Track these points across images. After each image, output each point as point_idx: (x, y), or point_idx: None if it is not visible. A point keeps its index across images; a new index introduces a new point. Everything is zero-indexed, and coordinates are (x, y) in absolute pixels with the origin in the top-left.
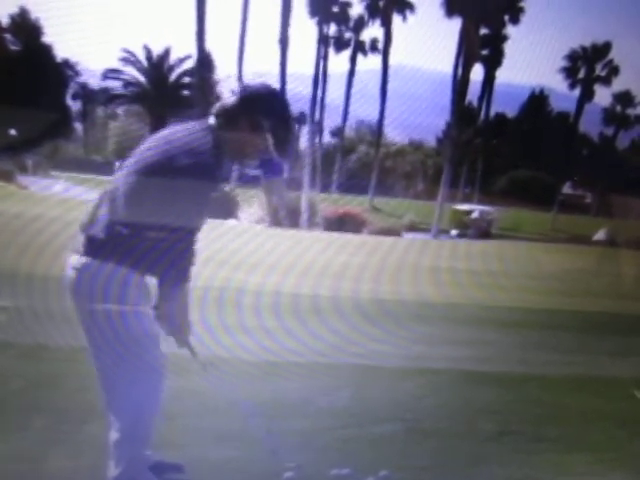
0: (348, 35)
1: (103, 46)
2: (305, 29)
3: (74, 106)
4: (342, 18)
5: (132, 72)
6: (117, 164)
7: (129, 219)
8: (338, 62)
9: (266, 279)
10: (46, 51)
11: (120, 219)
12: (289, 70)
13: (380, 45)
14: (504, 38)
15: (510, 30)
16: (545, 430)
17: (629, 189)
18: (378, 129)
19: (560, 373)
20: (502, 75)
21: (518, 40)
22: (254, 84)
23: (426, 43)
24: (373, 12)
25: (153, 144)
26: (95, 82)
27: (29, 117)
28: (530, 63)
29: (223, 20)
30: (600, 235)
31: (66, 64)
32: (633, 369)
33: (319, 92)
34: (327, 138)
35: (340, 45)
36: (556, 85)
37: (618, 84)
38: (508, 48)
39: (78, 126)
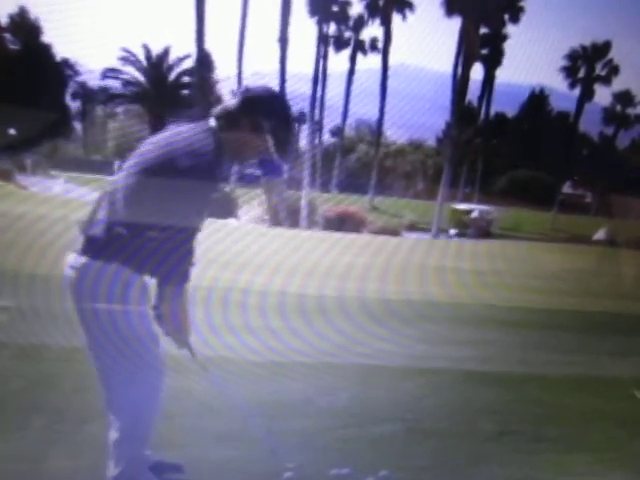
0: (348, 34)
1: (102, 45)
2: (305, 28)
3: (73, 105)
4: (342, 17)
5: (131, 71)
6: (116, 164)
7: (129, 219)
8: (338, 61)
9: (265, 279)
10: (45, 50)
11: (120, 219)
12: (289, 69)
13: (380, 44)
14: (504, 37)
15: (510, 29)
16: (545, 430)
17: (629, 189)
18: (378, 128)
19: (560, 373)
20: (502, 75)
21: (518, 39)
22: (255, 86)
23: (426, 42)
24: (373, 11)
25: (154, 145)
26: (94, 81)
27: (28, 116)
28: (530, 62)
29: (223, 19)
30: (600, 235)
31: (65, 63)
32: (633, 369)
33: (319, 91)
34: (327, 137)
35: (340, 44)
36: (556, 85)
37: (618, 84)
38: (508, 47)
39: (77, 125)
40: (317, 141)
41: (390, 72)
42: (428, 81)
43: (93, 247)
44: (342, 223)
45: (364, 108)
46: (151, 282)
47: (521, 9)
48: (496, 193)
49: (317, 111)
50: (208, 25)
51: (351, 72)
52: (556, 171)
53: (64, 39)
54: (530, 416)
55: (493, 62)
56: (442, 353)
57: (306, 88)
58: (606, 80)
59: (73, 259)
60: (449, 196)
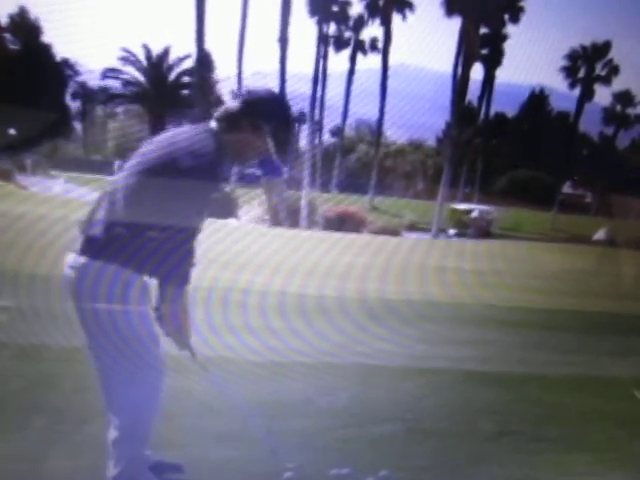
0: (348, 34)
1: (102, 45)
2: (305, 28)
3: (73, 105)
4: (342, 17)
5: (131, 71)
6: (116, 163)
7: (129, 219)
8: (338, 61)
9: (265, 279)
10: (45, 50)
11: (120, 219)
12: (289, 69)
13: (380, 44)
14: (504, 37)
15: (510, 29)
16: (545, 430)
17: (629, 189)
18: (378, 128)
19: (560, 373)
20: (502, 74)
21: (518, 39)
22: (257, 89)
23: (426, 42)
24: (373, 11)
25: (155, 146)
26: (94, 81)
27: (28, 116)
28: (530, 62)
29: (223, 19)
30: (600, 235)
31: (65, 63)
32: (633, 369)
33: (319, 91)
34: (327, 137)
35: (340, 44)
36: (556, 85)
37: (618, 84)
38: (508, 47)
39: (77, 125)
40: (317, 141)
41: (390, 72)
42: (428, 81)
43: (92, 247)
44: (342, 223)
45: (364, 108)
46: (151, 282)
47: (521, 9)
48: (496, 193)
49: (317, 111)
50: (208, 25)
51: (351, 72)
52: (556, 171)
53: (64, 39)
54: (530, 416)
55: (493, 62)
56: (442, 353)
57: (306, 88)
58: (606, 80)
59: (72, 259)
60: (449, 196)
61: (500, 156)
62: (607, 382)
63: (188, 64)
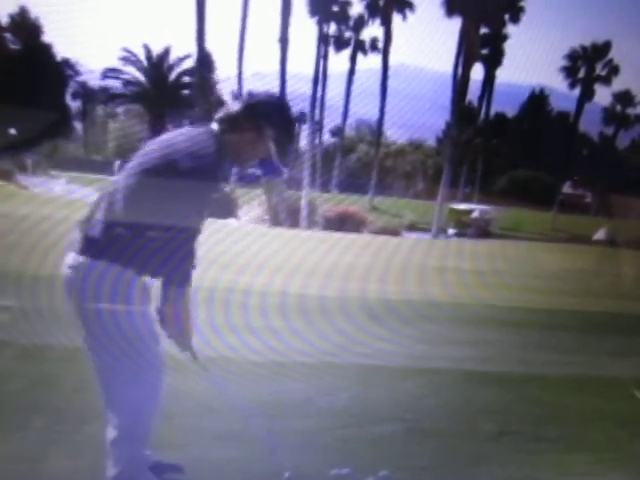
0: (348, 34)
1: (103, 45)
2: (305, 28)
3: (74, 105)
4: (342, 17)
5: (132, 71)
6: (117, 163)
7: (128, 219)
8: (338, 61)
9: (265, 279)
10: (46, 50)
11: (119, 219)
12: (289, 69)
13: (380, 44)
14: (504, 37)
15: (510, 29)
16: (545, 430)
17: (629, 189)
18: (378, 128)
19: (560, 373)
20: (502, 75)
21: (518, 39)
22: (258, 92)
23: (426, 42)
24: (373, 11)
25: (156, 147)
26: (95, 81)
27: (29, 116)
28: (530, 63)
29: (223, 19)
30: (600, 235)
31: (66, 63)
32: (633, 369)
33: (319, 91)
34: (327, 137)
35: (340, 44)
36: (556, 85)
37: (618, 84)
38: (508, 47)
39: (78, 125)
40: (317, 141)
41: (390, 72)
42: (428, 81)
43: (92, 247)
44: (342, 223)
45: (364, 108)
46: (151, 282)
47: (521, 9)
48: (496, 193)
49: (317, 111)
50: (209, 25)
51: (351, 72)
52: (556, 171)
53: (65, 39)
54: (530, 416)
55: (493, 62)
56: (442, 353)
57: (306, 88)
58: (606, 80)
59: (72, 259)
60: (449, 196)
61: (500, 156)
62: (607, 382)
63: (188, 64)
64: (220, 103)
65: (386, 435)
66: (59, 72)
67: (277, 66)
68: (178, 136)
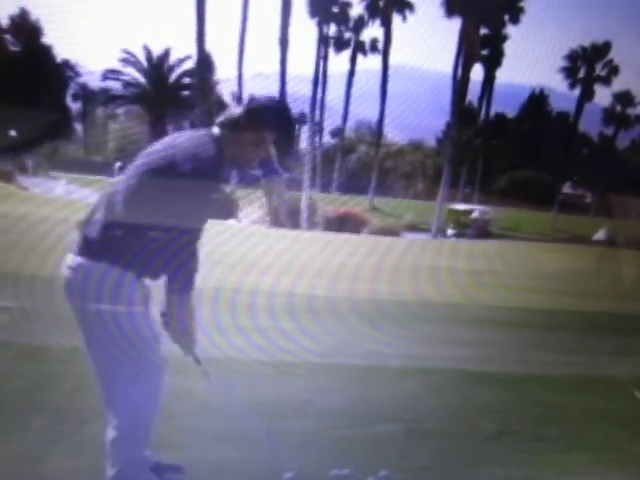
0: (348, 35)
1: (103, 47)
2: (305, 29)
3: (74, 107)
4: (342, 18)
5: (132, 73)
6: (117, 164)
7: (128, 221)
8: (338, 62)
9: (265, 279)
10: (46, 52)
11: (119, 221)
12: (289, 71)
13: (380, 45)
14: (504, 38)
15: (510, 30)
16: (545, 430)
17: (629, 189)
18: (378, 129)
19: (560, 373)
20: (502, 75)
21: (518, 40)
22: (260, 97)
23: (426, 43)
24: (373, 12)
25: (157, 150)
26: (95, 83)
27: (29, 118)
28: (530, 63)
29: (223, 21)
30: (600, 235)
31: (66, 65)
32: (633, 369)
33: (319, 93)
34: (327, 138)
35: (340, 45)
36: (556, 85)
37: (618, 84)
38: (508, 48)
39: (78, 127)
40: (317, 142)
41: (390, 73)
42: (428, 82)
43: (91, 248)
44: (343, 224)
45: (364, 109)
46: (152, 284)
47: (521, 9)
48: (496, 193)
49: (317, 112)
50: (209, 26)
51: (351, 73)
52: (556, 171)
53: (65, 40)
54: (530, 416)
55: (493, 63)
56: (443, 353)
57: (306, 89)
58: (606, 80)
59: (71, 260)
60: (449, 196)
61: (500, 156)
62: (607, 382)
63: (189, 65)
64: (220, 104)
65: (386, 435)
66: (59, 73)
67: (277, 67)
68: (180, 139)
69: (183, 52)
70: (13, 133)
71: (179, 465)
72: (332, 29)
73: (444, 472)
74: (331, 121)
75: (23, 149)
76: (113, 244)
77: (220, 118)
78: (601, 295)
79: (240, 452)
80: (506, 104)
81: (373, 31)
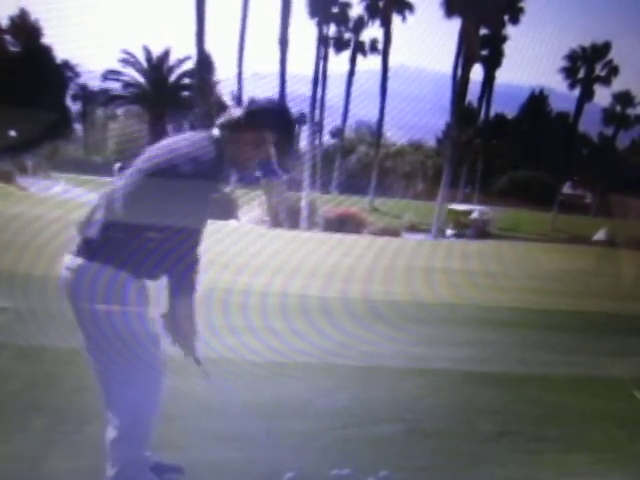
0: (348, 35)
1: (103, 47)
2: (305, 29)
3: (74, 107)
4: (342, 18)
5: (132, 73)
6: (116, 165)
7: (127, 221)
8: (338, 62)
9: (264, 280)
10: (46, 52)
11: (119, 222)
12: (289, 71)
13: (380, 45)
14: (504, 38)
15: (510, 30)
16: (545, 430)
17: (629, 189)
18: (378, 129)
19: (560, 373)
20: (502, 75)
21: (518, 40)
22: (260, 99)
23: (426, 43)
24: (373, 12)
25: (157, 152)
26: (95, 83)
27: (29, 118)
28: (530, 63)
29: (223, 21)
30: (600, 235)
31: (66, 65)
32: (633, 369)
33: (319, 92)
34: (327, 139)
35: (340, 45)
36: (556, 85)
37: (618, 84)
38: (508, 48)
39: (78, 127)
40: (317, 142)
41: (390, 73)
42: (428, 82)
43: (89, 248)
44: (342, 224)
45: (364, 109)
46: (151, 284)
47: (521, 10)
48: (496, 193)
49: (317, 112)
50: (208, 26)
51: (351, 73)
52: (556, 171)
53: (64, 40)
54: (530, 416)
55: (493, 63)
56: (443, 353)
57: (306, 89)
58: (606, 80)
59: (69, 260)
60: (449, 196)
61: (500, 156)
62: (607, 382)
63: (188, 65)
64: (220, 104)
65: (386, 435)
66: (59, 74)
67: (277, 67)
68: (180, 141)
69: (183, 52)
70: (13, 133)
71: (179, 465)
72: (332, 29)
73: (444, 472)
74: (331, 121)
75: (23, 149)
76: (113, 245)
77: (220, 120)
78: (601, 295)
79: (240, 452)
80: (506, 104)
81: (373, 31)
